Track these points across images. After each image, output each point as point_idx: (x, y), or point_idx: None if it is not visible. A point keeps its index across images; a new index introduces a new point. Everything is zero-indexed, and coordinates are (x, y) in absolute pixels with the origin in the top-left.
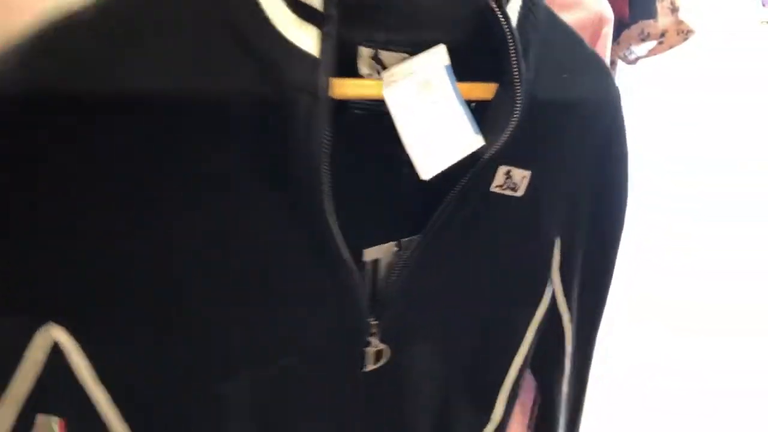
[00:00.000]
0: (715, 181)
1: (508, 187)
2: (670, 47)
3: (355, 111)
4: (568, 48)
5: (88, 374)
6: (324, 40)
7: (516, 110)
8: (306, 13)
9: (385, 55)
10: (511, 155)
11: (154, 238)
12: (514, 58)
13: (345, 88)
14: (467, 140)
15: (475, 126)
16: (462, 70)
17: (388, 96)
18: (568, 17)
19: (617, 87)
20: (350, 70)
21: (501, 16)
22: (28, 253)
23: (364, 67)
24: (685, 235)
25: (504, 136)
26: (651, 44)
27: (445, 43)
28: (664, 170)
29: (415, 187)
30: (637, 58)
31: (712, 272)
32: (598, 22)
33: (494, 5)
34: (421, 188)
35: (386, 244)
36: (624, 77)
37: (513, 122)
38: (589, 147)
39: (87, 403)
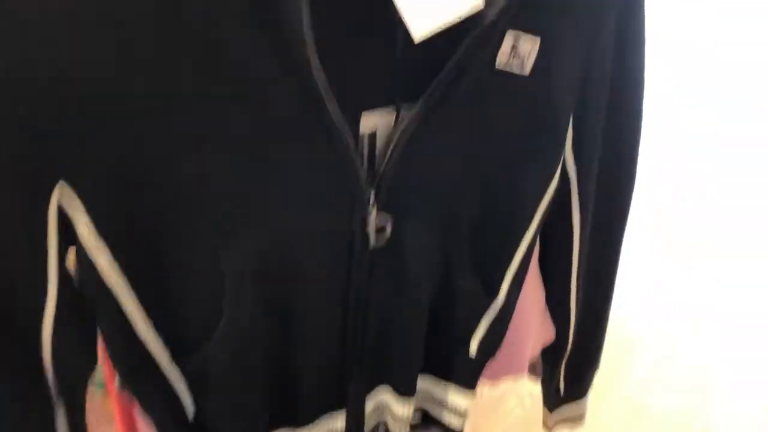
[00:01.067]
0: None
1: (514, 59)
2: None
3: None
4: None
5: (93, 238)
6: None
7: None
8: None
9: None
10: (519, 21)
11: (155, 102)
12: None
13: None
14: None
15: None
16: None
17: None
18: None
19: None
20: None
21: None
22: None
23: None
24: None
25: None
26: None
27: None
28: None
29: (417, 53)
30: None
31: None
32: None
33: None
34: (423, 54)
35: (384, 109)
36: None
37: None
38: (602, 17)
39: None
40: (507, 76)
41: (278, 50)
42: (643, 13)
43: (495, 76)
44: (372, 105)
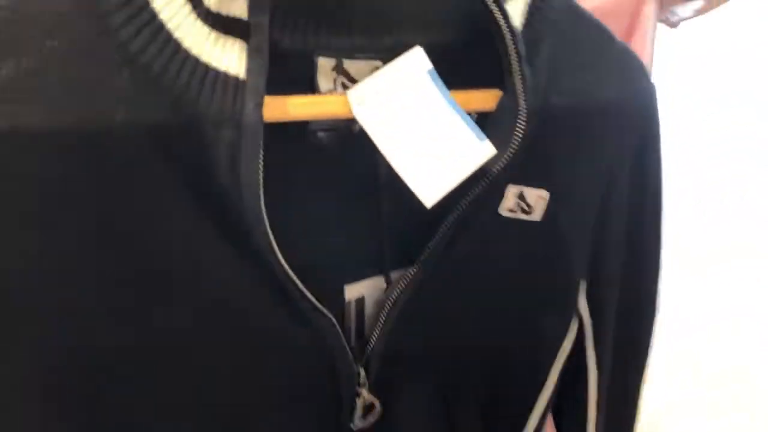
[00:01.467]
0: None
1: (521, 210)
2: (719, 5)
3: (318, 133)
4: (592, 44)
5: None
6: (251, 56)
7: (521, 121)
8: (225, 25)
9: (351, 65)
10: (523, 173)
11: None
12: (515, 61)
13: (289, 108)
14: (473, 150)
15: (480, 132)
16: (453, 77)
17: (360, 115)
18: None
19: (652, 86)
20: (306, 87)
21: (497, 10)
22: None
23: (324, 81)
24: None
25: (508, 152)
26: (697, 4)
27: (429, 45)
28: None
29: (404, 212)
30: (681, 20)
31: None
32: (637, 2)
33: (493, 3)
34: (411, 213)
35: (371, 279)
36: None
37: (518, 136)
38: (618, 159)
39: None
40: (512, 222)
41: (241, 248)
42: (660, 145)
43: (498, 223)
44: (357, 276)
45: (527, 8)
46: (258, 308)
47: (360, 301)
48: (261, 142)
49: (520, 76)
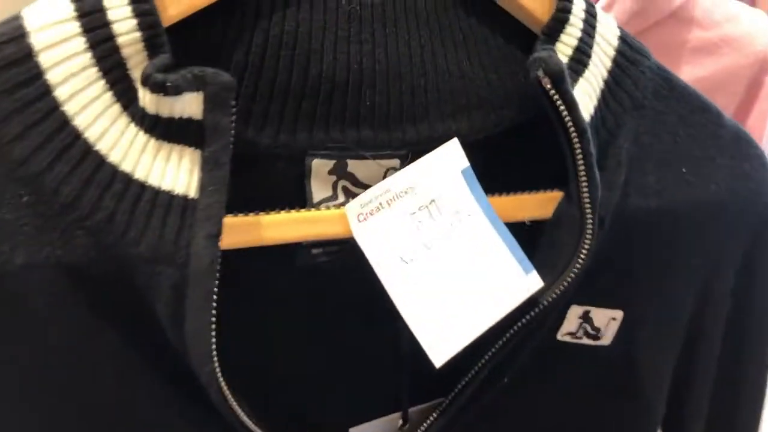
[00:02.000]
0: None
1: (586, 335)
2: None
3: (313, 250)
4: (692, 128)
5: None
6: (206, 168)
7: (586, 239)
8: (172, 130)
9: (357, 166)
10: (590, 291)
11: None
12: (580, 162)
13: (263, 231)
14: (513, 287)
15: (525, 260)
16: (496, 176)
17: (362, 237)
18: (710, 65)
19: None
20: (294, 198)
21: (559, 98)
22: None
23: (319, 189)
24: None
25: (570, 274)
26: None
27: (466, 136)
28: None
29: None
30: None
31: None
32: (759, 68)
33: (547, 82)
34: None
35: (384, 419)
36: None
37: (582, 256)
38: (717, 270)
39: None
40: (572, 347)
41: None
42: None
43: (554, 351)
44: (366, 416)
45: (604, 84)
46: None
47: None
48: (214, 286)
49: (585, 181)
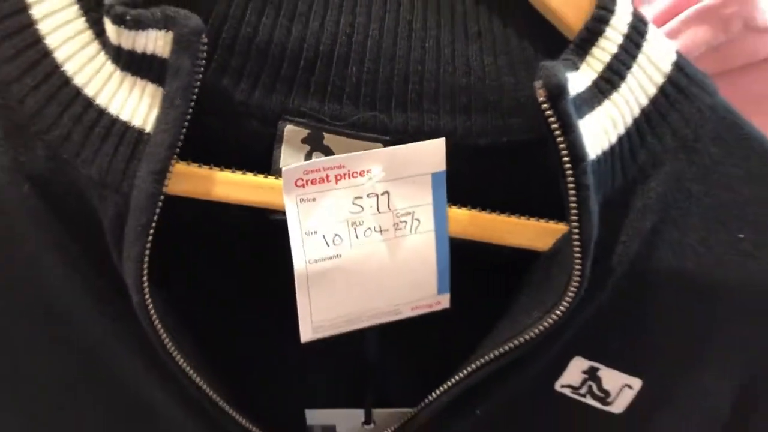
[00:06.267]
0: None
1: (591, 394)
2: None
3: (271, 217)
4: (763, 188)
5: None
6: (163, 106)
7: (574, 276)
8: (139, 65)
9: (336, 141)
10: (598, 347)
11: None
12: (572, 193)
13: (211, 186)
14: (419, 297)
15: (445, 283)
16: (494, 191)
17: (290, 202)
18: None
19: None
20: (260, 159)
21: (553, 120)
22: None
23: (288, 157)
24: None
25: (552, 316)
26: None
27: (461, 137)
28: None
29: (402, 346)
30: None
31: None
32: None
33: (542, 95)
34: (411, 349)
35: (346, 410)
36: None
37: (569, 297)
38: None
39: None
40: (574, 404)
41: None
42: None
43: (552, 399)
44: (325, 402)
45: (640, 113)
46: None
47: (330, 429)
48: (152, 220)
49: (576, 216)
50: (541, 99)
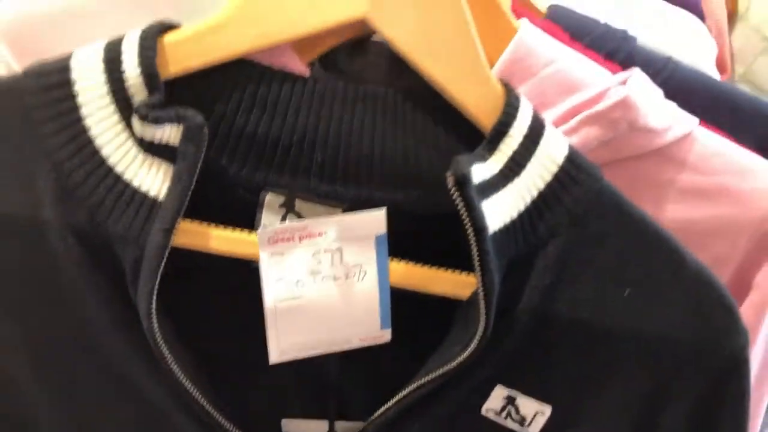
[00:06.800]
0: None
1: (511, 418)
2: None
3: (252, 264)
4: (643, 256)
5: None
6: (174, 180)
7: (480, 323)
8: (158, 150)
9: (305, 207)
10: (516, 377)
11: None
12: (476, 256)
13: (208, 240)
14: (364, 332)
15: (387, 320)
16: (426, 249)
17: (264, 254)
18: (705, 208)
19: (742, 334)
20: (248, 222)
21: (459, 200)
22: None
23: (270, 218)
24: None
25: (463, 353)
26: None
27: (402, 206)
28: None
29: (363, 364)
30: None
31: None
32: (760, 227)
33: (451, 182)
34: (373, 367)
35: (315, 421)
36: None
37: (475, 340)
38: (666, 407)
39: None
40: (499, 427)
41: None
42: (745, 414)
43: (479, 422)
44: (299, 413)
45: (537, 195)
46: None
47: None
48: (160, 264)
49: (480, 273)
50: (450, 185)
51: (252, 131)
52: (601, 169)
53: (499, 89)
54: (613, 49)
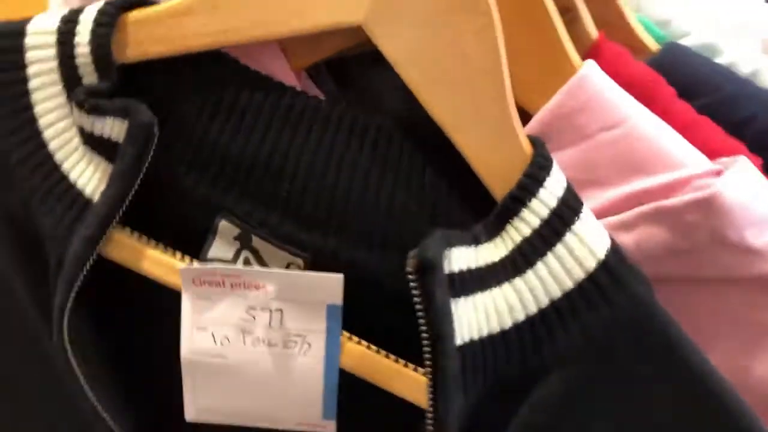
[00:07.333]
0: None
1: None
2: None
3: None
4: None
5: None
6: (109, 182)
7: None
8: (94, 143)
9: (263, 246)
10: None
11: None
12: (429, 371)
13: (140, 260)
14: (300, 418)
15: (332, 410)
16: (400, 334)
17: (187, 297)
18: None
19: None
20: (194, 244)
21: (415, 292)
22: None
23: (221, 248)
24: None
25: None
26: None
27: (372, 273)
28: None
29: None
30: None
31: None
32: None
33: (411, 265)
34: None
35: None
36: None
37: None
38: None
39: None
40: None
41: None
42: None
43: None
44: None
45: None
46: None
47: None
48: (78, 279)
49: (432, 397)
50: (410, 269)
51: (213, 141)
52: (651, 288)
53: (526, 149)
54: (746, 119)
